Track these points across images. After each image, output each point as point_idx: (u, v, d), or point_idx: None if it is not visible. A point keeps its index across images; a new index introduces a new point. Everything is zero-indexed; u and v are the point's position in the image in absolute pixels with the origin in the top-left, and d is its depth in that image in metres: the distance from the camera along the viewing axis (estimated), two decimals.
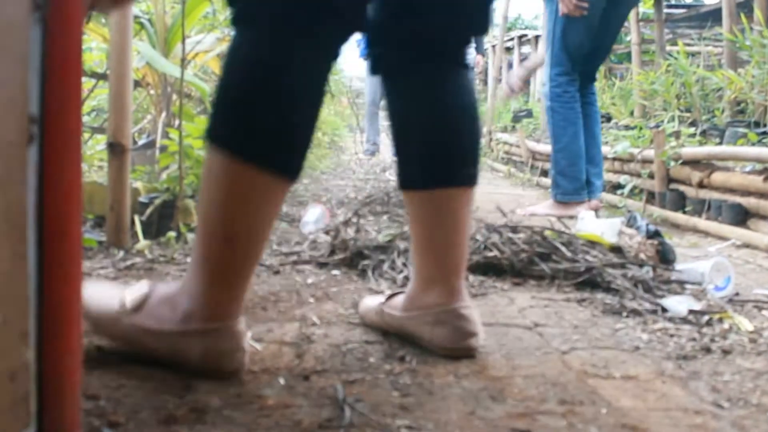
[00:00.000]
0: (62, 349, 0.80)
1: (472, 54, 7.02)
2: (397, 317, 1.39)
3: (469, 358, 1.30)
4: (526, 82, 4.14)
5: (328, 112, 7.30)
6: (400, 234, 2.20)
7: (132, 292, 1.23)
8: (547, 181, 4.98)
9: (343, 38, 1.21)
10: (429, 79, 1.34)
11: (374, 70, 1.39)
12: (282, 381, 1.15)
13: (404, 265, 1.95)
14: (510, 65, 11.78)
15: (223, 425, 0.98)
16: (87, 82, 2.82)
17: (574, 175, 3.40)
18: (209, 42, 3.15)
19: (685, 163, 3.38)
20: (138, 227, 2.25)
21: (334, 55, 1.21)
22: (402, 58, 1.35)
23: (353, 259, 2.06)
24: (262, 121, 1.13)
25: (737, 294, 1.85)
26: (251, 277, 1.19)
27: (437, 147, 1.34)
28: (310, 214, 2.75)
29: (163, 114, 3.00)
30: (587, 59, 3.43)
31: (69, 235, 0.81)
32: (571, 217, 3.21)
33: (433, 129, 1.34)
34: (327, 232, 2.38)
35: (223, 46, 3.27)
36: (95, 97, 3.26)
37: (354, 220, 2.30)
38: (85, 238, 2.21)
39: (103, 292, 1.25)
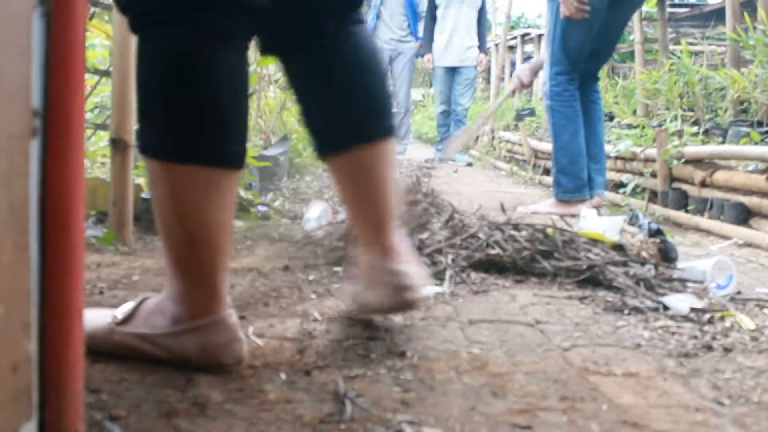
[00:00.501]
0: (64, 341, 0.81)
1: (474, 53, 7.02)
2: (352, 292, 1.41)
3: (408, 311, 1.33)
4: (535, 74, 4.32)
5: None
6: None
7: (122, 308, 1.26)
8: (550, 179, 4.99)
9: (248, 21, 1.20)
10: (316, 46, 1.33)
11: (263, 52, 1.41)
12: (283, 376, 1.16)
13: None
14: (513, 64, 11.78)
15: (224, 419, 0.98)
16: (90, 79, 2.82)
17: (575, 174, 3.40)
18: None
19: (688, 162, 3.38)
20: None
21: (243, 39, 1.21)
22: (282, 36, 1.34)
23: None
24: (188, 120, 1.14)
25: (739, 292, 1.85)
26: (225, 268, 1.19)
27: (336, 108, 1.35)
28: (312, 211, 2.75)
29: None
30: (590, 59, 3.44)
31: (71, 228, 0.82)
32: (573, 216, 3.22)
33: (328, 91, 1.35)
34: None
35: None
36: (98, 94, 3.26)
37: None
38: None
39: (94, 312, 1.27)
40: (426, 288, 1.34)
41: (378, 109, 1.35)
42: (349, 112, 1.34)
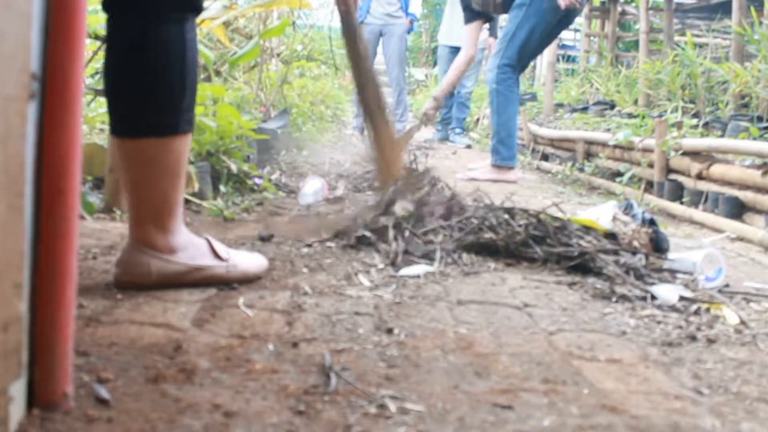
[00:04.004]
0: (55, 302, 0.82)
1: (484, 35, 6.96)
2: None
3: (119, 287, 1.43)
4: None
5: (332, 86, 7.24)
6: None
7: None
8: (549, 165, 5.01)
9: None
10: (130, 32, 1.39)
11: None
12: (271, 347, 1.17)
13: (401, 240, 1.96)
14: None
15: (210, 387, 1.00)
16: (92, 45, 2.81)
17: (511, 145, 4.14)
18: (215, 9, 3.13)
19: (686, 153, 3.39)
20: None
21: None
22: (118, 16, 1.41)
23: (349, 232, 2.07)
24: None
25: (727, 285, 1.86)
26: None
27: (121, 96, 1.42)
28: (308, 186, 2.76)
29: None
30: (527, 59, 4.29)
31: (66, 192, 0.82)
32: (507, 182, 4.01)
33: (122, 77, 1.41)
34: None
35: (230, 14, 3.26)
36: (99, 60, 3.25)
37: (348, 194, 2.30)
38: (87, 203, 2.21)
39: None
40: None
41: (169, 104, 1.42)
42: (140, 102, 1.40)
